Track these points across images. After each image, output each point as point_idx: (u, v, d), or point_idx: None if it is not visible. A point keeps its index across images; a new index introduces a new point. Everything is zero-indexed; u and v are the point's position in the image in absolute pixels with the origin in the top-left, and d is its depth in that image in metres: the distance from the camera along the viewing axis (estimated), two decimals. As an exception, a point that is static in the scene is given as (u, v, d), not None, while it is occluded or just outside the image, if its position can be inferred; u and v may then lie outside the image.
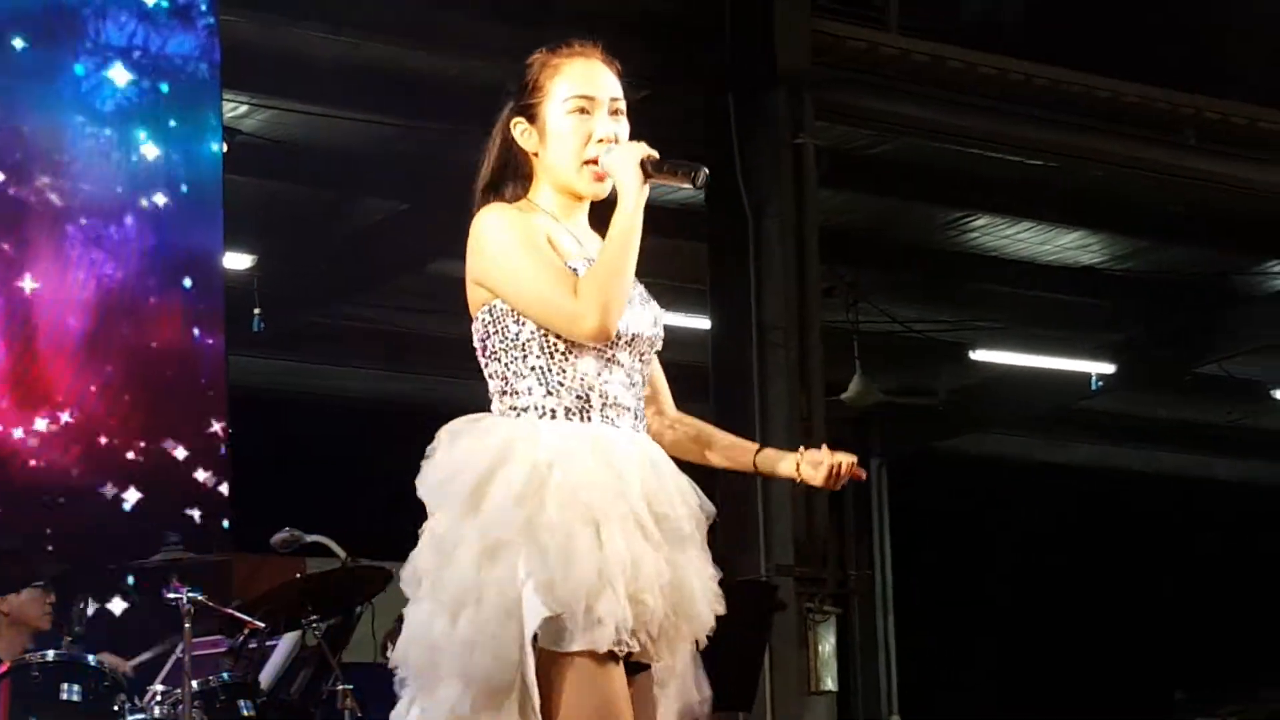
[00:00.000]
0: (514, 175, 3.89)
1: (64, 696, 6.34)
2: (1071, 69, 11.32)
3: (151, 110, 8.83)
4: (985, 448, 17.13)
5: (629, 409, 3.80)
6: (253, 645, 6.83)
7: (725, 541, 10.27)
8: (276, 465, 12.85)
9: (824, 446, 3.96)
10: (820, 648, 9.89)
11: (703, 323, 11.46)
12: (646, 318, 3.89)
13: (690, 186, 3.77)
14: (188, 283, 8.81)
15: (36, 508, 7.99)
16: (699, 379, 10.98)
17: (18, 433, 8.19)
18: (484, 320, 3.79)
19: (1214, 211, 12.68)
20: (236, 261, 11.70)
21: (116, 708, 6.47)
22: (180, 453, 8.57)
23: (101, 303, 8.52)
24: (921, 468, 16.63)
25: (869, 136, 11.44)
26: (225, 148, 9.25)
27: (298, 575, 7.09)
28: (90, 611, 6.95)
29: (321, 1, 9.51)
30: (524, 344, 3.75)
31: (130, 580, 7.95)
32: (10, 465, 8.13)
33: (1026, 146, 11.54)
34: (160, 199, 8.75)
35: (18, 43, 8.59)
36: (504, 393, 3.77)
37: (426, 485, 3.69)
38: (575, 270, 3.75)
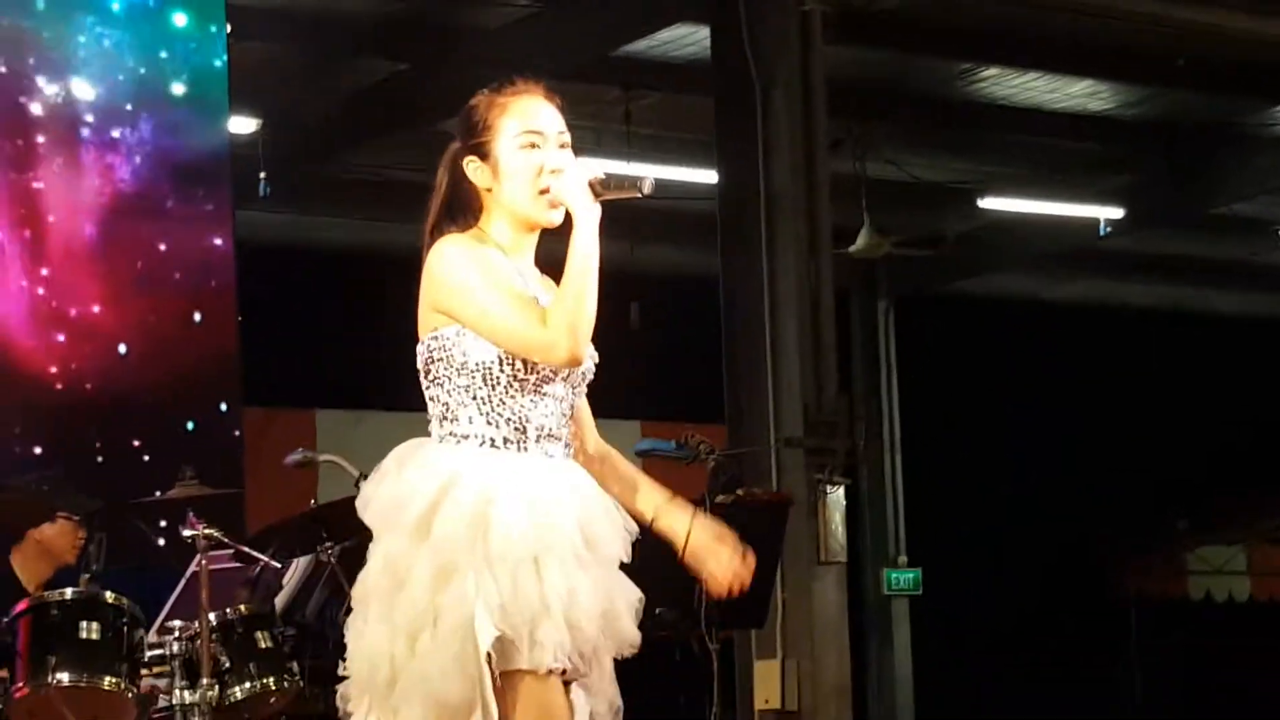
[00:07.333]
0: (463, 210, 4.05)
1: (83, 634, 6.34)
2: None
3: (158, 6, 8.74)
4: (992, 288, 17.10)
5: (559, 439, 3.98)
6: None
7: (734, 417, 10.31)
8: (285, 320, 12.95)
9: (729, 532, 4.15)
10: (831, 519, 9.93)
11: (708, 176, 11.52)
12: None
13: (639, 195, 3.93)
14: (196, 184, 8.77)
15: (74, 435, 8.04)
16: (708, 230, 10.99)
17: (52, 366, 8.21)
18: (430, 345, 3.95)
19: (1219, 60, 12.55)
20: (242, 126, 11.66)
21: (135, 643, 6.49)
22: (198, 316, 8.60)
23: (112, 206, 8.48)
24: (928, 309, 16.61)
25: (875, -10, 11.29)
26: (229, 28, 9.19)
27: (311, 503, 7.10)
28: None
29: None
30: (469, 374, 3.90)
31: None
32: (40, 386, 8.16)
33: (1032, -3, 11.40)
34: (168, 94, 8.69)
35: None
36: (444, 418, 3.94)
37: (373, 510, 3.91)
38: (535, 299, 3.92)
